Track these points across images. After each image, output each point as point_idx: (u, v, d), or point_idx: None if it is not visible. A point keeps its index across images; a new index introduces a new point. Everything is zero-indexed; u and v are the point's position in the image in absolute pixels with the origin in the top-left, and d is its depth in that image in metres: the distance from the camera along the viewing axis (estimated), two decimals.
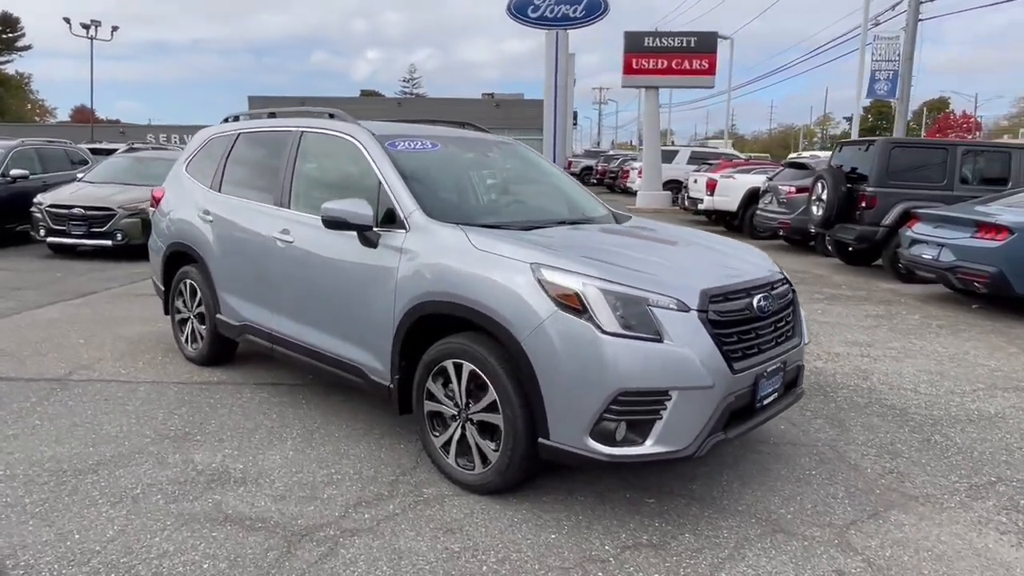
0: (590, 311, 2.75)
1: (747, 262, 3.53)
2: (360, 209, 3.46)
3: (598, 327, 2.73)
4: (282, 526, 2.87)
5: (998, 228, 6.78)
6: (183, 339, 5.12)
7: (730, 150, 26.59)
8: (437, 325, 3.30)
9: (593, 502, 3.14)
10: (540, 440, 2.89)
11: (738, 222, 14.08)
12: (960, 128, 66.15)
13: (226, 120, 5.29)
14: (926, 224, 7.75)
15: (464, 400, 3.15)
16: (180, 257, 5.06)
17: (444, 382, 3.24)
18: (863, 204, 9.25)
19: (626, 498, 3.18)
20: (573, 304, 2.78)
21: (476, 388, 3.10)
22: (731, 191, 14.05)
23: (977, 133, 63.62)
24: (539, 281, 2.87)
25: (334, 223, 3.51)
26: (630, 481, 3.31)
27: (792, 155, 17.85)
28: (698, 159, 21.11)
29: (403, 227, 3.46)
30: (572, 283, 2.81)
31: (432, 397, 3.30)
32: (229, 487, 3.20)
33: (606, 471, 3.27)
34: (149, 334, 5.83)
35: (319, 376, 4.31)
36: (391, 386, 3.49)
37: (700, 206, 15.14)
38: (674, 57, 19.19)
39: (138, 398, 4.32)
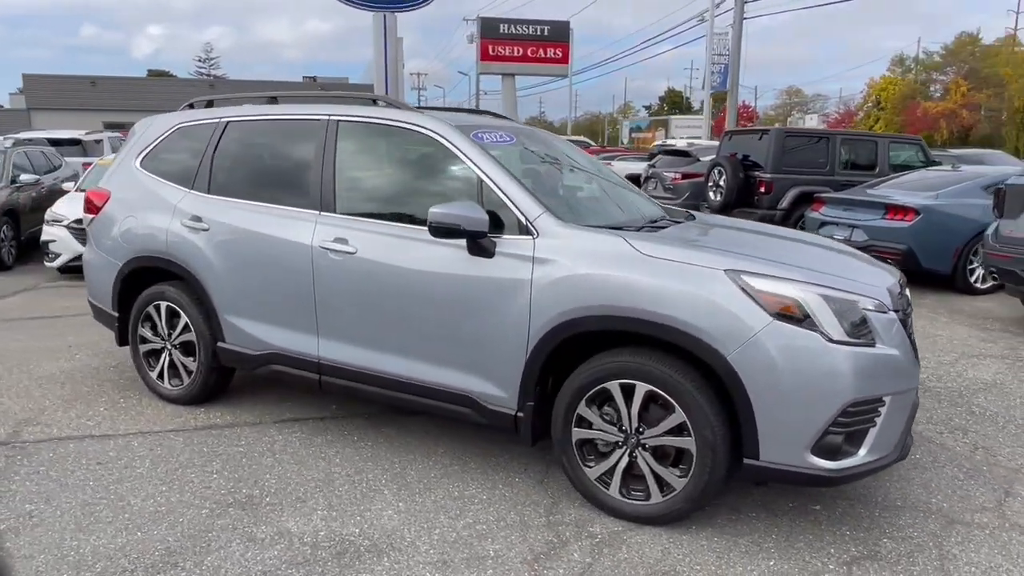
0: (814, 319, 2.56)
1: (864, 258, 3.53)
2: (473, 213, 2.97)
3: (825, 336, 2.55)
4: None
5: (906, 210, 7.56)
6: (155, 374, 4.16)
7: (579, 137, 27.50)
8: (584, 343, 2.93)
9: (765, 517, 2.98)
10: (747, 461, 2.66)
11: None
12: (741, 117, 74.15)
13: (189, 106, 4.36)
14: (834, 207, 8.45)
15: (635, 424, 2.82)
16: (146, 274, 4.10)
17: (600, 405, 2.89)
18: (761, 189, 9.92)
19: (790, 507, 3.06)
20: (791, 313, 2.57)
21: (654, 411, 2.79)
22: None
23: (755, 121, 71.66)
24: (744, 290, 2.62)
25: (444, 230, 2.99)
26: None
27: (658, 142, 18.78)
28: None
29: (528, 232, 3.02)
30: (789, 290, 2.60)
31: (584, 423, 2.93)
32: (369, 560, 2.61)
33: (821, 487, 3.06)
34: (78, 370, 4.71)
35: (397, 406, 3.67)
36: (518, 414, 3.05)
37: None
38: (529, 45, 19.38)
39: (142, 457, 3.43)
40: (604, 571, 2.57)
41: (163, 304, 4.02)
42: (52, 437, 3.65)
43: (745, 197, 10.15)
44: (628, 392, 2.80)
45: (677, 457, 2.79)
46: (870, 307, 2.67)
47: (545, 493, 3.14)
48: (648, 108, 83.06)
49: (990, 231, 6.29)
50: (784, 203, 9.79)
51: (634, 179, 13.82)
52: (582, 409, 2.91)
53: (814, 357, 2.55)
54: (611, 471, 2.91)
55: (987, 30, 60.81)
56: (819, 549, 2.74)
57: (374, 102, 3.70)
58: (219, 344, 3.86)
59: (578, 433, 2.95)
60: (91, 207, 4.35)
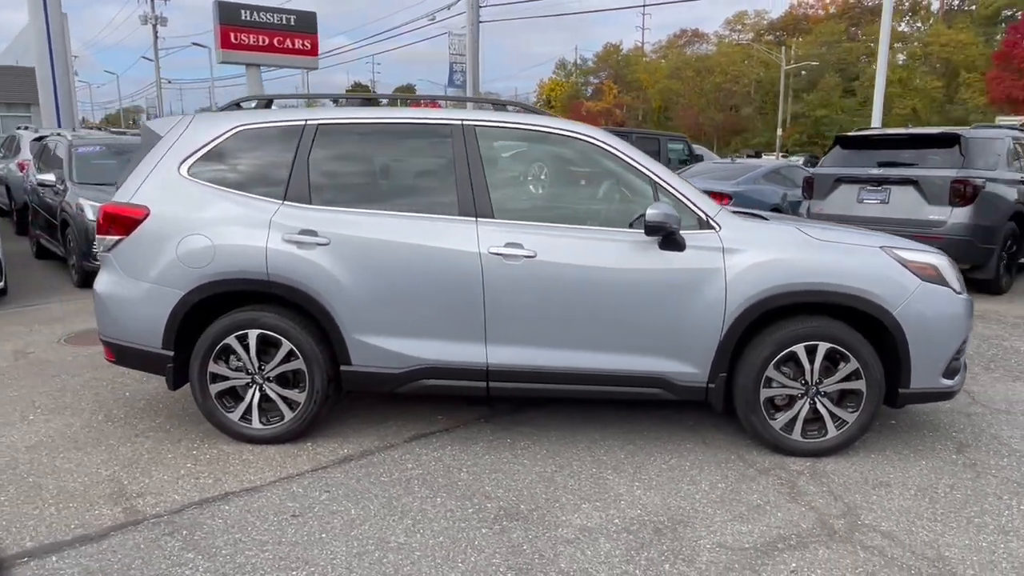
0: (945, 279, 3.49)
1: None
2: (675, 212, 3.35)
3: (954, 290, 3.50)
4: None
5: (722, 195, 9.30)
6: (236, 415, 3.61)
7: None
8: (765, 319, 3.49)
9: (888, 432, 3.87)
10: (901, 390, 3.52)
11: None
12: None
13: (234, 105, 3.80)
14: None
15: (816, 377, 3.49)
16: (225, 301, 3.55)
17: (780, 366, 3.50)
18: None
19: (892, 423, 4.01)
20: (932, 275, 3.47)
21: (830, 364, 3.48)
22: None
23: None
24: (899, 261, 3.45)
25: (656, 229, 3.32)
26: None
27: None
28: None
29: (709, 227, 3.47)
30: (929, 259, 3.50)
31: (770, 383, 3.51)
32: (681, 532, 2.89)
33: (946, 400, 3.79)
34: (109, 426, 3.80)
35: (577, 399, 3.76)
36: (709, 386, 3.51)
37: None
38: (275, 35, 18.26)
39: (327, 501, 3.09)
40: (840, 489, 3.20)
41: (253, 333, 3.52)
42: (186, 504, 3.05)
43: None
44: (811, 351, 3.46)
45: (841, 398, 3.53)
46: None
47: (731, 451, 3.64)
48: (336, 102, 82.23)
49: (803, 209, 8.18)
50: None
51: None
52: (770, 371, 3.49)
53: (947, 306, 3.48)
54: (793, 419, 3.54)
55: (627, 41, 72.47)
56: (934, 443, 3.72)
57: (504, 107, 3.74)
58: (344, 368, 3.55)
59: (765, 393, 3.52)
60: (116, 226, 3.56)
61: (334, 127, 3.65)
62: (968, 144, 7.15)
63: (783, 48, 48.52)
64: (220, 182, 3.59)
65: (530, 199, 3.70)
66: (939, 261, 3.54)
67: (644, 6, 69.11)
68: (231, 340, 3.54)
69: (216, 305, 3.56)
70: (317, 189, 3.58)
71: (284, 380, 3.60)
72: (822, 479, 3.34)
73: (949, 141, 7.24)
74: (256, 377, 3.59)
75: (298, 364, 3.55)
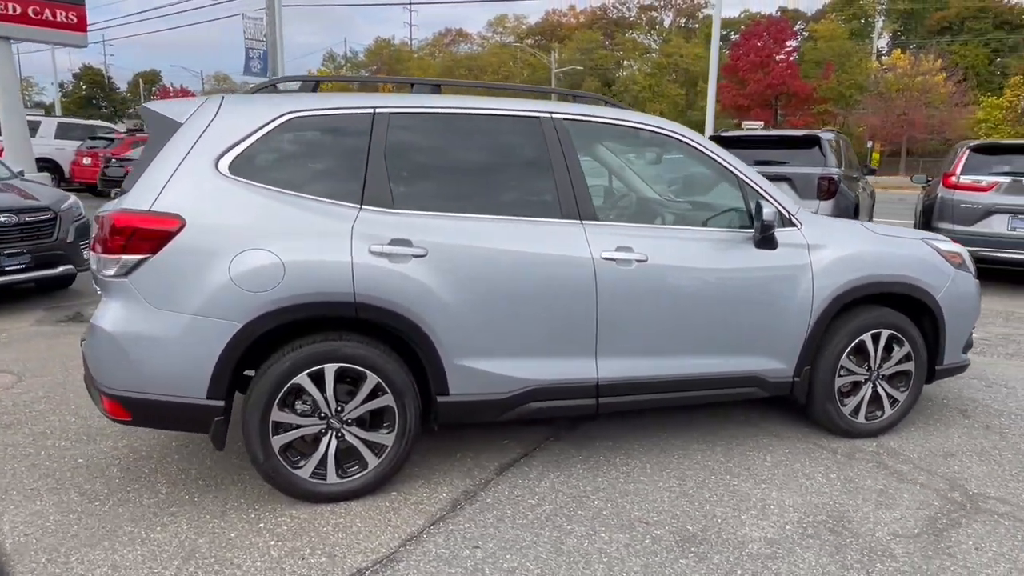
0: (968, 265, 3.92)
1: None
2: (775, 211, 3.37)
3: (973, 275, 3.94)
4: None
5: None
6: (308, 471, 2.91)
7: (99, 122, 22.15)
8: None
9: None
10: (936, 367, 3.89)
11: None
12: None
13: (269, 86, 3.04)
14: None
15: (878, 362, 3.73)
16: (291, 330, 2.84)
17: (851, 355, 3.68)
18: None
19: None
20: (959, 262, 3.87)
21: (887, 349, 3.74)
22: None
23: None
24: (936, 251, 3.80)
25: (768, 228, 3.31)
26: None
27: None
28: (70, 131, 17.31)
29: (792, 224, 3.54)
30: (955, 248, 3.89)
31: (843, 371, 3.68)
32: (850, 527, 2.92)
33: (963, 373, 4.16)
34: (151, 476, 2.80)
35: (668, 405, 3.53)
36: (795, 380, 3.59)
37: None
38: (31, 3, 15.07)
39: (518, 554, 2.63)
40: (925, 464, 3.46)
41: (331, 368, 2.87)
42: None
43: None
44: (875, 338, 3.69)
45: (891, 379, 3.82)
46: None
47: (805, 440, 3.74)
48: (62, 87, 70.85)
49: None
50: None
51: None
52: (843, 360, 3.66)
53: (971, 288, 3.92)
54: (860, 403, 3.75)
55: (393, 37, 71.85)
56: (942, 412, 4.18)
57: (585, 100, 3.43)
58: (441, 399, 3.04)
59: (839, 381, 3.68)
60: (137, 242, 2.66)
61: (410, 116, 3.09)
62: (824, 145, 8.17)
63: (551, 52, 51.58)
64: (275, 182, 2.86)
65: (626, 198, 3.46)
66: (962, 250, 3.98)
67: (411, 4, 69.24)
68: (302, 379, 2.84)
69: (274, 338, 2.84)
70: (400, 190, 3.01)
71: (362, 421, 2.99)
72: (901, 456, 3.58)
73: (811, 142, 8.21)
74: (332, 421, 2.93)
75: (385, 400, 2.96)
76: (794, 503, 3.08)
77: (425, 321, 2.92)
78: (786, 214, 3.54)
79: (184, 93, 77.37)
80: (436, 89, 3.30)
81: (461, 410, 3.09)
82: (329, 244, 2.82)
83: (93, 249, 2.79)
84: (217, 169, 2.80)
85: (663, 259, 3.26)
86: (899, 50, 47.30)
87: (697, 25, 66.00)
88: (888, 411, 3.81)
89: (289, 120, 2.93)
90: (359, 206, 2.91)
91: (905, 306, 3.76)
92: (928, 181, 9.57)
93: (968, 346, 4.04)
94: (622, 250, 3.19)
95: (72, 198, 6.92)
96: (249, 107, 2.94)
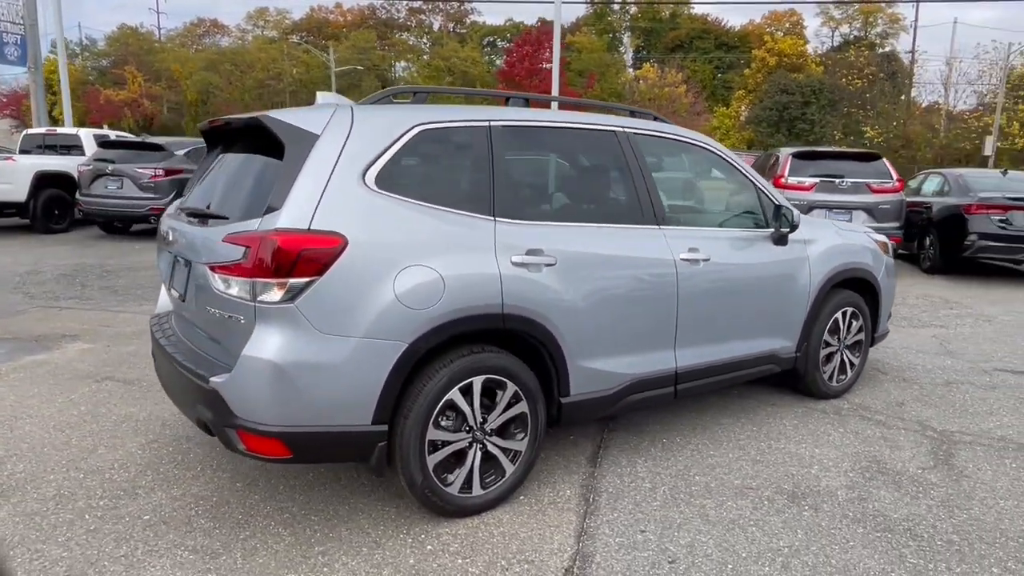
0: (889, 251, 4.88)
1: None
2: (797, 212, 3.99)
3: (891, 255, 4.92)
4: None
5: None
6: (457, 486, 2.89)
7: None
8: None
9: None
10: (875, 336, 4.81)
11: (28, 212, 11.24)
12: None
13: (386, 99, 2.93)
14: None
15: (845, 335, 4.53)
16: (449, 345, 2.80)
17: (831, 331, 4.44)
18: None
19: None
20: (885, 249, 4.82)
21: (849, 323, 4.56)
22: (13, 176, 10.93)
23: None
24: (874, 240, 4.70)
25: (794, 228, 3.93)
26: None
27: (100, 131, 13.67)
28: None
29: (789, 224, 4.18)
30: (882, 238, 4.84)
31: (825, 345, 4.42)
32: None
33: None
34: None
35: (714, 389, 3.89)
36: (796, 355, 4.25)
37: None
38: None
39: (692, 560, 2.85)
40: (895, 413, 4.32)
41: (478, 380, 2.88)
42: None
43: None
44: (844, 316, 4.48)
45: (851, 348, 4.66)
46: None
47: (801, 404, 4.41)
48: None
49: None
50: None
51: (46, 177, 11.24)
52: (825, 335, 4.40)
53: (893, 270, 4.90)
54: (833, 370, 4.52)
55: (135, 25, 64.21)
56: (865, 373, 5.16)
57: (651, 117, 3.74)
58: (563, 400, 3.18)
59: (823, 352, 4.42)
60: (305, 264, 2.46)
61: (518, 130, 3.17)
62: None
63: (328, 51, 50.02)
64: (417, 196, 2.79)
65: (685, 204, 3.83)
66: (886, 239, 4.94)
67: None
68: (454, 394, 2.82)
69: (431, 356, 2.79)
70: (520, 200, 3.09)
71: (501, 430, 3.03)
72: (871, 410, 4.40)
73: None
74: (477, 433, 2.94)
75: (520, 407, 3.04)
76: (835, 456, 3.69)
77: (556, 326, 3.05)
78: (796, 215, 4.17)
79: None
80: (526, 103, 3.40)
81: (580, 409, 3.25)
82: (478, 257, 2.84)
83: (237, 273, 2.51)
84: (365, 183, 2.67)
85: (720, 258, 3.69)
86: (649, 63, 53.24)
87: (466, 31, 68.51)
88: (849, 374, 4.64)
89: (421, 132, 2.87)
90: (493, 218, 2.95)
91: (858, 287, 4.61)
92: None
93: (888, 317, 5.04)
94: (692, 251, 3.57)
95: None
96: (383, 118, 2.82)
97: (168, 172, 10.75)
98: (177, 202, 3.58)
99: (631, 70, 57.60)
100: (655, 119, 3.84)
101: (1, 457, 3.49)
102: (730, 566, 2.68)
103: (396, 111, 2.93)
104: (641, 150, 3.56)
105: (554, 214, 3.19)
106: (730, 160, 4.02)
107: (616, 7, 67.11)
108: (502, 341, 3.00)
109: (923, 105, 44.02)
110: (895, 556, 2.77)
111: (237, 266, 2.52)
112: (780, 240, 4.00)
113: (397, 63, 61.02)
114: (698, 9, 63.42)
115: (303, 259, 2.48)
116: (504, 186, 3.03)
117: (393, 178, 2.74)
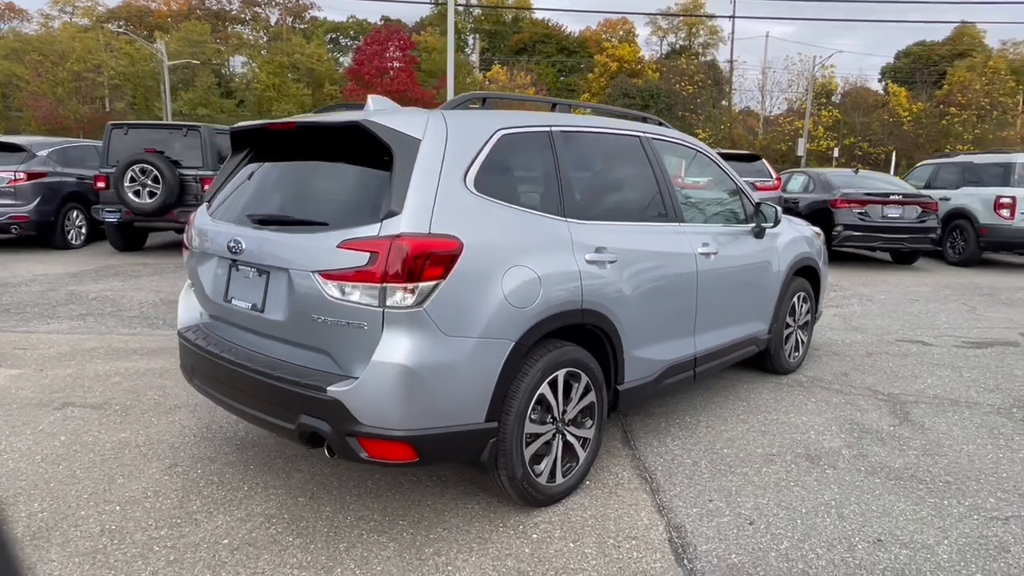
0: (822, 241, 5.56)
1: None
2: (777, 209, 4.49)
3: (823, 245, 5.60)
4: None
5: None
6: (545, 476, 3.01)
7: None
8: None
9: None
10: (816, 316, 5.46)
11: None
12: None
13: (463, 105, 2.97)
14: None
15: (800, 314, 5.12)
16: (541, 341, 2.91)
17: (791, 313, 5.01)
18: (205, 187, 9.55)
19: None
20: (822, 240, 5.48)
21: (803, 302, 5.15)
22: None
23: None
24: (815, 232, 5.35)
25: (777, 223, 4.38)
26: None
27: None
28: None
29: (762, 219, 4.67)
30: (817, 230, 5.50)
31: (787, 327, 4.97)
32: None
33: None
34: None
35: (706, 374, 4.21)
36: (769, 336, 4.76)
37: None
38: None
39: (850, 503, 3.16)
40: (856, 382, 4.96)
41: (561, 373, 3.03)
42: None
43: (181, 195, 9.55)
44: (799, 300, 5.07)
45: (803, 328, 5.27)
46: None
47: (768, 379, 4.93)
48: None
49: None
50: None
51: None
52: (787, 318, 4.95)
53: (826, 258, 5.58)
54: (791, 347, 5.10)
55: None
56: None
57: (654, 121, 4.00)
58: (620, 388, 3.40)
59: (785, 332, 4.97)
60: (431, 267, 2.48)
61: (571, 135, 3.33)
62: None
63: (158, 42, 46.09)
64: (507, 198, 2.88)
65: (693, 204, 4.12)
66: (819, 231, 5.61)
67: None
68: (544, 388, 2.96)
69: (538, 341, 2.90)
70: (580, 201, 3.26)
71: (576, 419, 3.19)
72: (826, 381, 5.02)
73: None
74: (559, 424, 3.08)
75: (591, 397, 3.22)
76: (822, 421, 4.21)
77: (618, 319, 3.26)
78: (755, 212, 4.66)
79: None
80: (568, 109, 3.55)
81: (632, 395, 3.48)
82: (561, 256, 2.98)
83: (361, 279, 2.46)
84: (467, 187, 2.72)
85: (724, 252, 4.08)
86: (496, 65, 54.31)
87: (306, 26, 65.99)
88: (801, 351, 5.25)
89: (503, 136, 2.95)
90: (565, 218, 3.10)
91: (807, 274, 5.22)
92: None
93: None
94: (705, 246, 3.92)
95: None
96: (471, 123, 2.87)
97: (31, 176, 9.59)
98: (203, 208, 3.37)
99: (478, 71, 58.42)
100: (659, 124, 4.16)
101: (8, 497, 3.11)
102: (799, 521, 3.03)
103: (478, 116, 2.99)
104: (658, 153, 3.86)
105: (608, 214, 3.38)
106: (718, 163, 4.42)
107: (460, 8, 67.73)
108: (574, 335, 3.16)
109: (739, 110, 48.91)
110: (916, 498, 3.26)
111: (360, 272, 2.48)
112: (760, 234, 4.47)
113: (232, 58, 57.62)
114: (539, 14, 65.72)
115: (430, 263, 2.50)
116: (569, 188, 3.19)
117: (487, 181, 2.81)
